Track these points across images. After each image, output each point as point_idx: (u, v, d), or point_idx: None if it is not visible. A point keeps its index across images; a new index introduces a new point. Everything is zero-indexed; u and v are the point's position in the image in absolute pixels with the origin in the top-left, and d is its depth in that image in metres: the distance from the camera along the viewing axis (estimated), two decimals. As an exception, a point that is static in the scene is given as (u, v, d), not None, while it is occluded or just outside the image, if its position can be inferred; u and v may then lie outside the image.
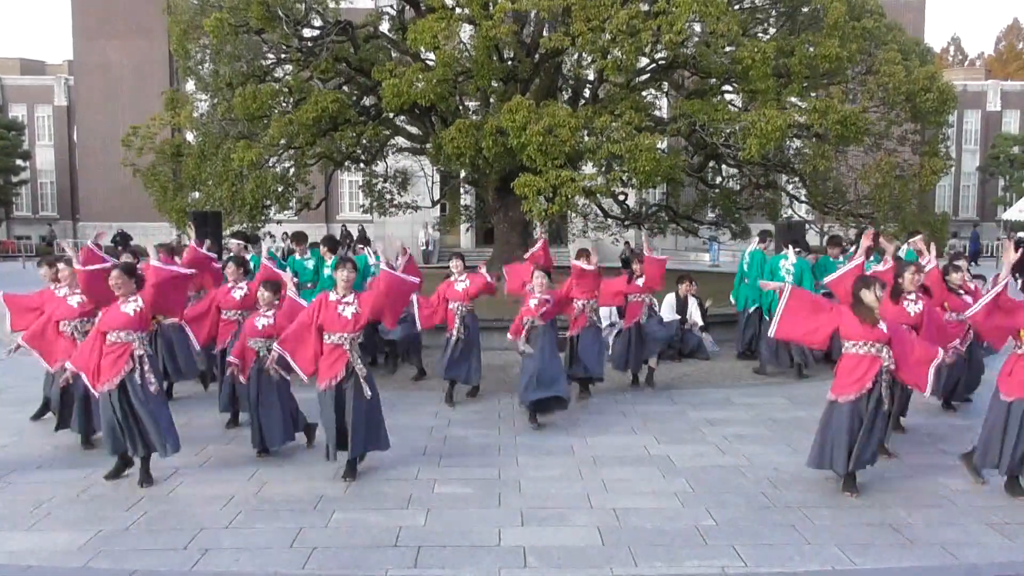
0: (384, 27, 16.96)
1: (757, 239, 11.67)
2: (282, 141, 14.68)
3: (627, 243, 27.25)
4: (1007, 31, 68.58)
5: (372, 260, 10.56)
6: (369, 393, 6.36)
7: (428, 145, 15.61)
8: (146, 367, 6.14)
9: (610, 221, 19.58)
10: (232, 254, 9.73)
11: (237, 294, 7.88)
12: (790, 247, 10.85)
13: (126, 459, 6.31)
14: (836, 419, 5.95)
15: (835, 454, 5.95)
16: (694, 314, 11.92)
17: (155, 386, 6.17)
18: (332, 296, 6.38)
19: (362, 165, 18.64)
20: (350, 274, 6.39)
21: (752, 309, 11.21)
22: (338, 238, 32.30)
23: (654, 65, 15.37)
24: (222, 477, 6.41)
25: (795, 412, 8.55)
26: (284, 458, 6.86)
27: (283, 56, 15.43)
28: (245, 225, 15.56)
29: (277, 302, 7.04)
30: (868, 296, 5.88)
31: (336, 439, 6.29)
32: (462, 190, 22.87)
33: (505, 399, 8.98)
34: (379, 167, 19.43)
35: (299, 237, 11.36)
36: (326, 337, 6.32)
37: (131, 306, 6.19)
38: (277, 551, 5.06)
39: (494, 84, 14.57)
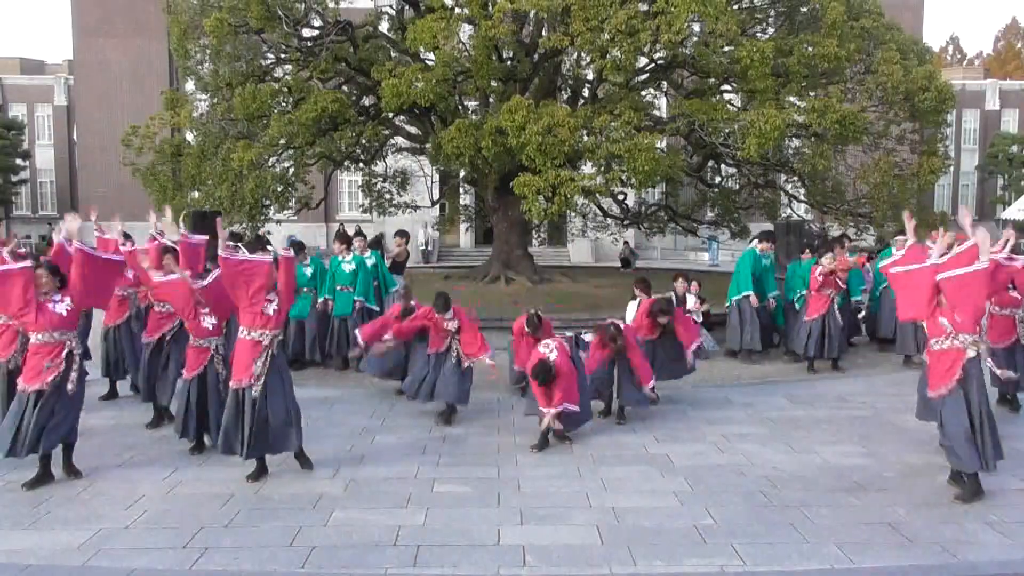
0: (383, 27, 16.96)
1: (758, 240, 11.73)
2: (282, 141, 14.69)
3: (626, 243, 27.29)
4: (1006, 30, 68.71)
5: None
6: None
7: (427, 145, 15.62)
8: (74, 366, 6.20)
9: (609, 221, 19.60)
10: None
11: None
12: (756, 240, 11.53)
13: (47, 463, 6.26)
14: None
15: None
16: (694, 314, 11.90)
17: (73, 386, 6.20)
18: None
19: (361, 165, 18.65)
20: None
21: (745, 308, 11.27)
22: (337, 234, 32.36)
23: (653, 65, 15.38)
24: (221, 476, 6.41)
25: (794, 411, 8.57)
26: (283, 458, 6.85)
27: (283, 56, 15.44)
28: (244, 225, 15.58)
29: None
30: None
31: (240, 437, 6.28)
32: (461, 190, 22.89)
33: (504, 399, 8.99)
34: (378, 167, 19.44)
35: (297, 246, 11.39)
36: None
37: (62, 306, 6.21)
38: (276, 550, 5.07)
39: (493, 84, 14.57)
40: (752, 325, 11.18)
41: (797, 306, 11.28)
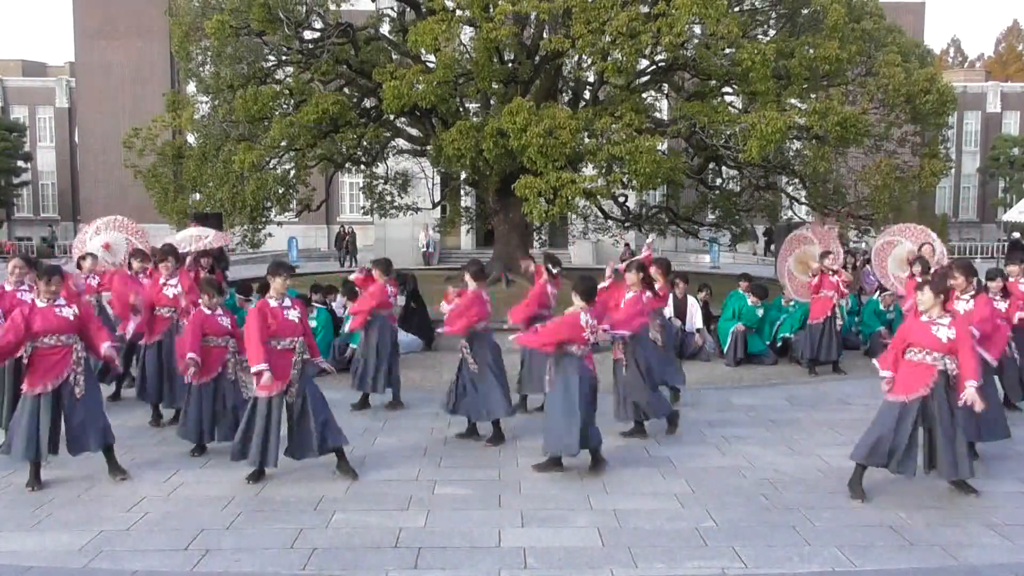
0: (385, 29, 16.99)
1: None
2: (283, 143, 14.71)
3: (627, 244, 27.31)
4: (1007, 33, 68.66)
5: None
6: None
7: (428, 147, 15.63)
8: (79, 369, 6.20)
9: (610, 223, 19.60)
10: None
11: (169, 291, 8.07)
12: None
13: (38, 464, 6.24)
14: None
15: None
16: (695, 317, 11.92)
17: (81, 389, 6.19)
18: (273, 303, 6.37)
19: (363, 167, 18.67)
20: (285, 281, 6.42)
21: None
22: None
23: (654, 67, 15.38)
24: (223, 478, 6.42)
25: (795, 413, 8.57)
26: (284, 459, 6.85)
27: (284, 58, 15.45)
28: (247, 226, 15.60)
29: None
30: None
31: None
32: (462, 192, 22.88)
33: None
34: (380, 169, 19.46)
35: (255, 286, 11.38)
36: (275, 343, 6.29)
37: (68, 310, 6.23)
38: (277, 552, 5.07)
39: (495, 86, 14.57)
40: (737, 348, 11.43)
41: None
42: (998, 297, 7.55)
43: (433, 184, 23.21)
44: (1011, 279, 8.27)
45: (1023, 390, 8.08)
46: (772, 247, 33.37)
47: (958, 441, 5.80)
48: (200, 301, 7.09)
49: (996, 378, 7.22)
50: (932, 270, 8.77)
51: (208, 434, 6.98)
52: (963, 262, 7.38)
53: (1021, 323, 7.87)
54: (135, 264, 8.93)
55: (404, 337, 10.55)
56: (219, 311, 7.06)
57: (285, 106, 14.86)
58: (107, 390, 8.94)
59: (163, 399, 7.99)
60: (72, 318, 6.22)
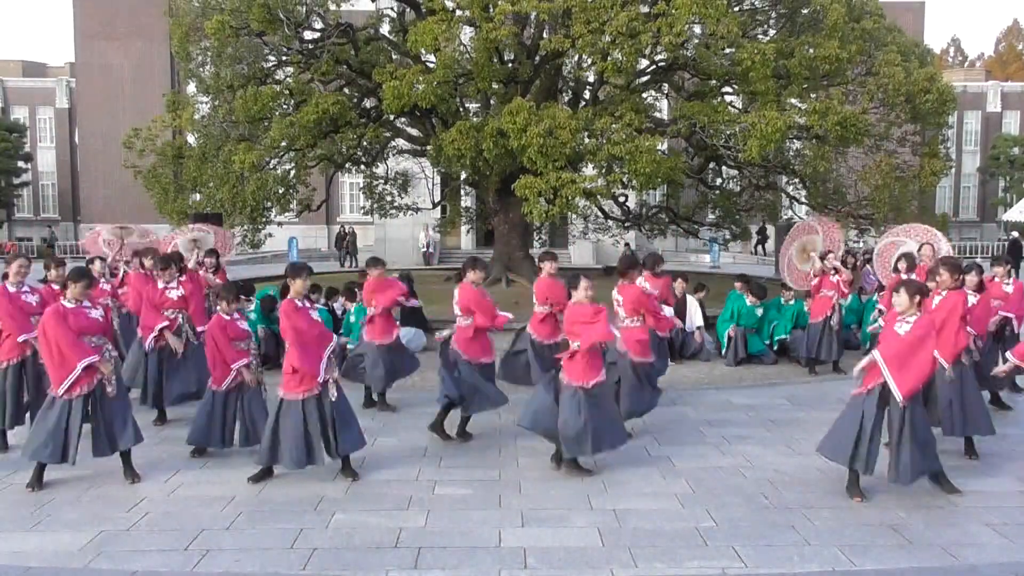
0: (385, 29, 16.99)
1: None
2: (283, 143, 14.70)
3: (627, 244, 27.30)
4: (1007, 32, 68.74)
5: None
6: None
7: (428, 147, 15.62)
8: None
9: (610, 223, 19.60)
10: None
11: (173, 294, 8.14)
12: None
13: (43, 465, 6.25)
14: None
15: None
16: (695, 316, 11.93)
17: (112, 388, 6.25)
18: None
19: (363, 167, 18.68)
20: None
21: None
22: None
23: (654, 67, 15.38)
24: (223, 478, 6.43)
25: (795, 413, 8.57)
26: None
27: (284, 58, 15.45)
28: (247, 227, 15.58)
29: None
30: None
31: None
32: (462, 192, 22.88)
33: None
34: (380, 169, 19.47)
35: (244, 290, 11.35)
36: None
37: (96, 312, 6.32)
38: (278, 552, 5.07)
39: (495, 86, 14.57)
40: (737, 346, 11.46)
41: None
42: (971, 291, 7.55)
43: (433, 184, 23.21)
44: (995, 279, 8.33)
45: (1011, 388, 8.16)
46: (763, 246, 33.51)
47: (903, 445, 5.79)
48: (219, 307, 7.06)
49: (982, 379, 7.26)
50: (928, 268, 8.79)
51: (229, 439, 6.94)
52: (950, 260, 7.40)
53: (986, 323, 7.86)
54: (147, 263, 8.99)
55: (405, 333, 10.54)
56: (236, 315, 7.07)
57: (285, 106, 14.86)
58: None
59: (166, 401, 8.00)
60: (101, 319, 6.29)
